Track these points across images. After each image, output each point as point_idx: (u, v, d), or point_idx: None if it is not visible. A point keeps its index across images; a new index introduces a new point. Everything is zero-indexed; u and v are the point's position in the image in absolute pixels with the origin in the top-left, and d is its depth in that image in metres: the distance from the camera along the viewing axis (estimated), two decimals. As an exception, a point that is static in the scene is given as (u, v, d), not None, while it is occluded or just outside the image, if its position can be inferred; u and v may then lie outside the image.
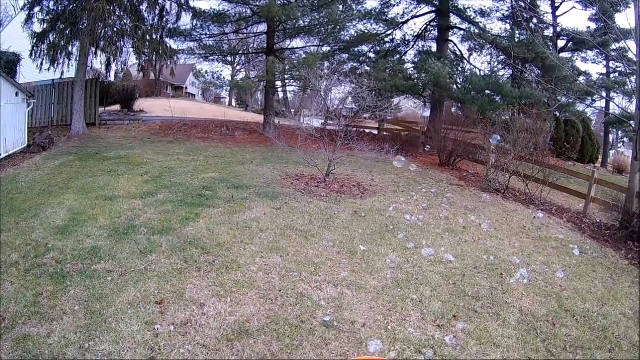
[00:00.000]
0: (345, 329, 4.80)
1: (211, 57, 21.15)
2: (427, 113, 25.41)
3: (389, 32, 21.17)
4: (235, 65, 37.93)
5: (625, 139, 34.71)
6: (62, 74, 16.38)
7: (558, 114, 20.38)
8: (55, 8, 15.88)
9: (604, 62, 25.25)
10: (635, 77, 11.76)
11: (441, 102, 19.93)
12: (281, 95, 33.73)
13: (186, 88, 50.55)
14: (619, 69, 24.21)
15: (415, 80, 18.82)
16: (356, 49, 20.98)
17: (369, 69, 20.43)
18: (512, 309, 5.51)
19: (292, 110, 28.14)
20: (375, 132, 21.75)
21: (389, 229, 7.74)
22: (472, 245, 7.45)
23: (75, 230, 6.84)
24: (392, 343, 4.64)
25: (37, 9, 15.92)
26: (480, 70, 20.51)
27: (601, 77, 24.68)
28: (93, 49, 16.64)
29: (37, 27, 15.97)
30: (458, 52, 21.38)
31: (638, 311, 5.81)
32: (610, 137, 30.96)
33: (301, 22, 18.18)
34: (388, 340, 4.67)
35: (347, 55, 21.08)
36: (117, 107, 24.05)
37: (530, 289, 6.10)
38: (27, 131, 13.57)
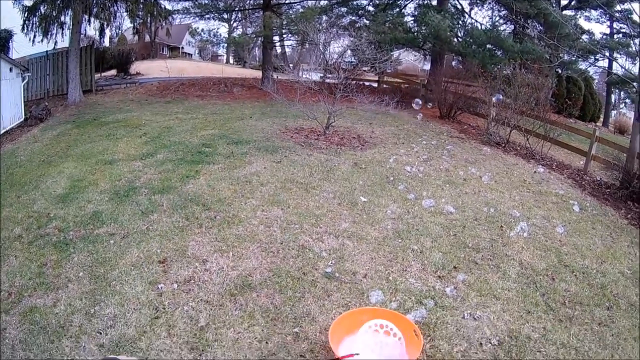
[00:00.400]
0: (346, 280, 4.83)
1: (207, 16, 20.74)
2: (428, 66, 25.00)
3: (388, -15, 20.53)
4: (231, 22, 37.30)
5: (628, 100, 33.83)
6: (55, 44, 16.10)
7: (560, 71, 20.00)
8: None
9: (608, 23, 24.39)
10: (639, 39, 11.43)
11: (441, 56, 19.51)
12: (279, 50, 33.18)
13: (182, 48, 49.68)
14: (623, 30, 23.38)
15: (415, 33, 18.34)
16: (354, 2, 20.31)
17: (367, 22, 19.83)
18: (512, 262, 5.51)
19: (291, 65, 27.72)
20: (375, 84, 21.43)
21: (390, 180, 7.68)
22: (473, 197, 7.39)
23: (76, 197, 6.83)
24: (393, 294, 4.67)
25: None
26: (481, 24, 20.02)
27: (604, 37, 23.84)
28: (86, 17, 16.20)
29: (28, 1, 15.61)
30: (459, 6, 20.65)
31: (637, 271, 5.78)
32: (613, 97, 30.32)
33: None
34: (389, 291, 4.70)
35: (345, 8, 20.43)
36: (113, 72, 23.92)
37: (530, 242, 6.08)
38: (24, 104, 13.49)
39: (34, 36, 15.45)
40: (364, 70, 17.07)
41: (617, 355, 4.14)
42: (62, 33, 15.99)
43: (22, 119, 13.06)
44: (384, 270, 5.07)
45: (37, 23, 15.34)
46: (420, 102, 14.37)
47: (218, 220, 5.93)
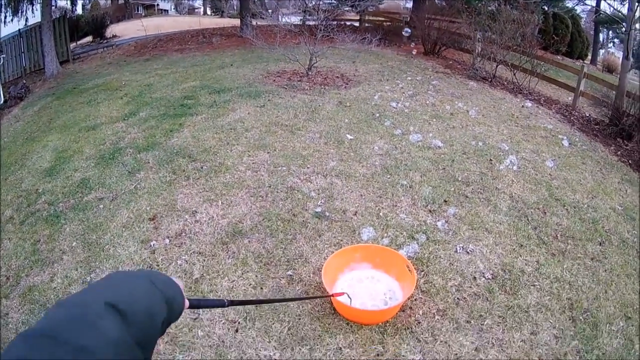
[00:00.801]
0: (337, 219, 4.79)
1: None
2: (410, 4, 24.38)
3: None
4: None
5: (616, 40, 33.10)
6: (26, 21, 15.76)
7: (546, 8, 19.52)
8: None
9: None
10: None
11: (424, -8, 19.03)
12: (257, -5, 32.39)
13: (158, 5, 48.22)
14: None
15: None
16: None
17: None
18: (503, 195, 5.48)
19: (269, 11, 27.08)
20: (357, 24, 21.00)
21: (375, 117, 7.59)
22: (460, 131, 7.32)
23: (62, 168, 6.70)
24: (384, 230, 4.65)
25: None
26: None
27: (592, -25, 23.18)
28: (56, -12, 15.89)
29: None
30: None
31: (629, 207, 5.78)
32: (601, 36, 29.74)
33: None
34: (380, 227, 4.68)
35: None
36: (89, 38, 23.34)
37: (520, 175, 6.04)
38: (2, 87, 13.14)
39: (5, 17, 15.12)
40: (345, 10, 16.69)
41: (610, 292, 4.14)
42: (33, 9, 15.68)
43: (2, 102, 12.76)
44: (374, 207, 5.03)
45: (7, 3, 14.98)
46: (410, 30, 14.17)
47: (205, 171, 5.86)
